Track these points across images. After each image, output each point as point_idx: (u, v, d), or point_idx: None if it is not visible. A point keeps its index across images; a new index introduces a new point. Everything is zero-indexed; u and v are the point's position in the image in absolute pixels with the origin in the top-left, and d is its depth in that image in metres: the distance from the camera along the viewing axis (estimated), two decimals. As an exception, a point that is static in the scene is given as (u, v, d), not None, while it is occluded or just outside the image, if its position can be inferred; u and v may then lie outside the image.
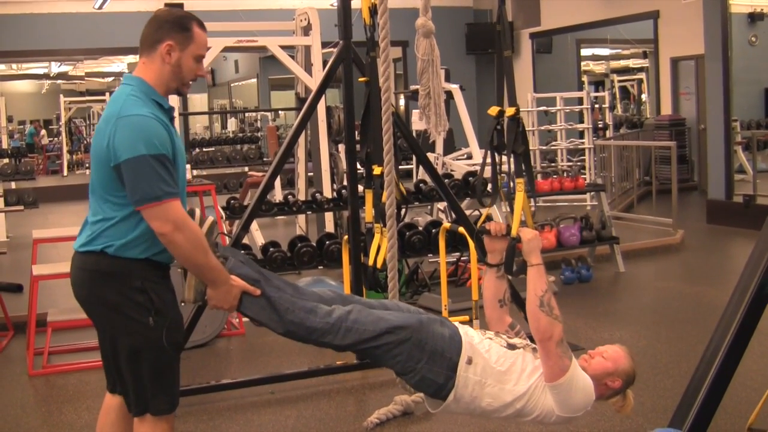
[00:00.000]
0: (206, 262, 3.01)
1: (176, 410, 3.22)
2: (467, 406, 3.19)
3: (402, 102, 17.26)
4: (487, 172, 3.88)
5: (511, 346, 3.23)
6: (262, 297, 3.10)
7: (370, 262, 4.90)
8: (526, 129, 5.66)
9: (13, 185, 14.85)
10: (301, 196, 9.04)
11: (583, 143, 13.45)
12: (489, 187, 4.07)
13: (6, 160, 16.87)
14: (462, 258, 7.76)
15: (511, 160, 3.63)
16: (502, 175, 3.76)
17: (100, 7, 14.91)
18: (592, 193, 11.09)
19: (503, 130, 3.67)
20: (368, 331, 3.11)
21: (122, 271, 3.04)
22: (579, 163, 13.02)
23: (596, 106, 14.85)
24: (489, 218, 3.59)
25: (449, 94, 9.97)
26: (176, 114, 3.37)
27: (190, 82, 3.21)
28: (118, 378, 3.19)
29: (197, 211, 3.14)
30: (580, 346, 5.50)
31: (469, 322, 5.69)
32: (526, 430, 4.45)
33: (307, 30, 8.86)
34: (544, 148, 13.62)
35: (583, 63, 18.98)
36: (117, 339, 3.10)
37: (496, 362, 3.15)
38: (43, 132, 26.77)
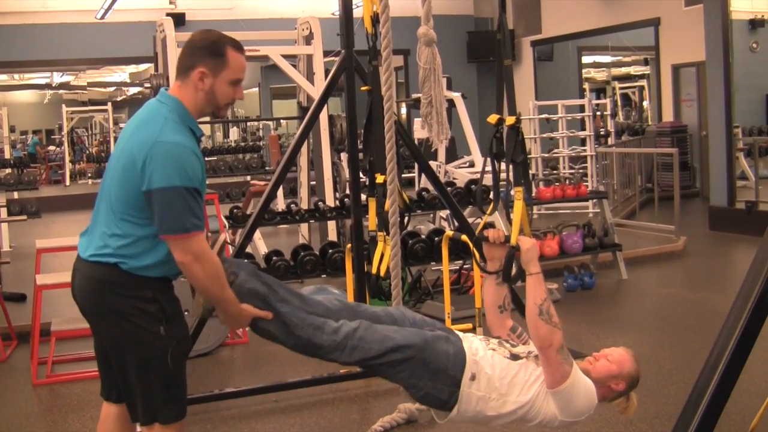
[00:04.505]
0: (221, 296, 3.02)
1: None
2: (472, 417, 3.23)
3: (404, 110, 17.29)
4: (487, 180, 3.89)
5: (515, 356, 3.24)
6: (273, 318, 3.13)
7: (374, 271, 4.91)
8: (528, 137, 5.66)
9: (15, 195, 14.86)
10: (304, 205, 9.06)
11: (584, 151, 13.47)
12: (490, 194, 4.08)
13: (9, 170, 16.88)
14: (465, 266, 7.76)
15: (510, 168, 3.64)
16: (502, 182, 3.78)
17: (102, 18, 14.96)
18: (595, 200, 11.11)
19: (502, 137, 3.68)
20: (374, 350, 3.13)
21: (134, 282, 3.04)
22: (581, 171, 13.01)
23: (598, 113, 14.85)
24: (488, 225, 3.60)
25: (451, 103, 9.98)
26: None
27: (229, 105, 3.19)
28: (124, 387, 3.19)
29: (221, 237, 3.16)
30: (583, 353, 5.48)
31: (473, 330, 5.70)
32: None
33: (309, 39, 8.88)
34: (546, 155, 13.62)
35: (584, 70, 19.02)
36: (126, 349, 3.09)
37: (499, 376, 3.17)
38: (52, 147, 26.79)
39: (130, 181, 2.98)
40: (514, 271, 3.41)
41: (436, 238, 7.07)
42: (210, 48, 3.08)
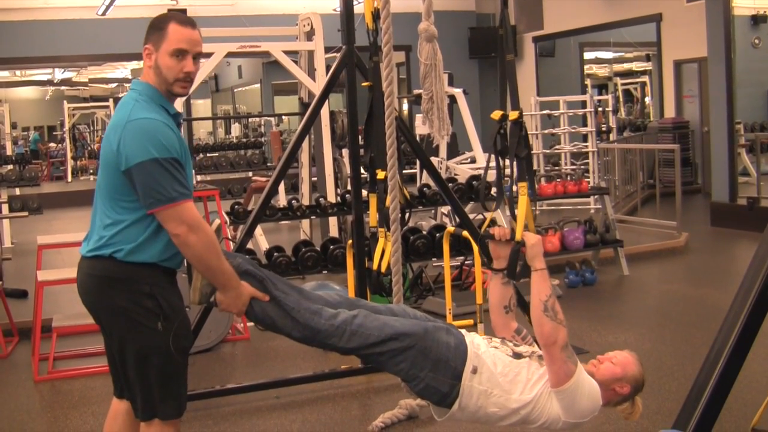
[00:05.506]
0: (219, 265, 3.01)
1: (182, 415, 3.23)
2: (473, 414, 3.17)
3: (405, 106, 17.28)
4: (491, 176, 3.88)
5: (517, 355, 3.21)
6: (270, 301, 3.11)
7: (375, 267, 4.90)
8: (530, 133, 5.67)
9: (17, 191, 14.88)
10: (305, 201, 9.05)
11: (586, 147, 13.45)
12: (493, 191, 4.07)
13: (10, 167, 16.90)
14: (466, 262, 7.76)
15: (514, 164, 3.62)
16: (506, 178, 3.76)
17: (104, 14, 14.94)
18: (596, 196, 11.09)
19: (506, 134, 3.67)
20: (373, 336, 3.09)
21: (131, 277, 3.05)
22: (582, 167, 13.00)
23: (599, 109, 14.83)
24: (492, 223, 3.58)
25: (452, 98, 9.98)
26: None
27: (183, 81, 3.13)
28: (126, 383, 3.19)
29: (216, 222, 3.16)
30: (584, 349, 5.51)
31: (474, 326, 5.70)
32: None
33: (310, 35, 8.87)
34: (547, 151, 13.61)
35: (586, 66, 18.97)
36: (126, 344, 3.10)
37: (501, 372, 3.12)
38: (53, 144, 26.78)
39: (110, 166, 3.01)
40: (519, 267, 3.38)
41: (438, 234, 7.06)
42: (154, 24, 3.13)
